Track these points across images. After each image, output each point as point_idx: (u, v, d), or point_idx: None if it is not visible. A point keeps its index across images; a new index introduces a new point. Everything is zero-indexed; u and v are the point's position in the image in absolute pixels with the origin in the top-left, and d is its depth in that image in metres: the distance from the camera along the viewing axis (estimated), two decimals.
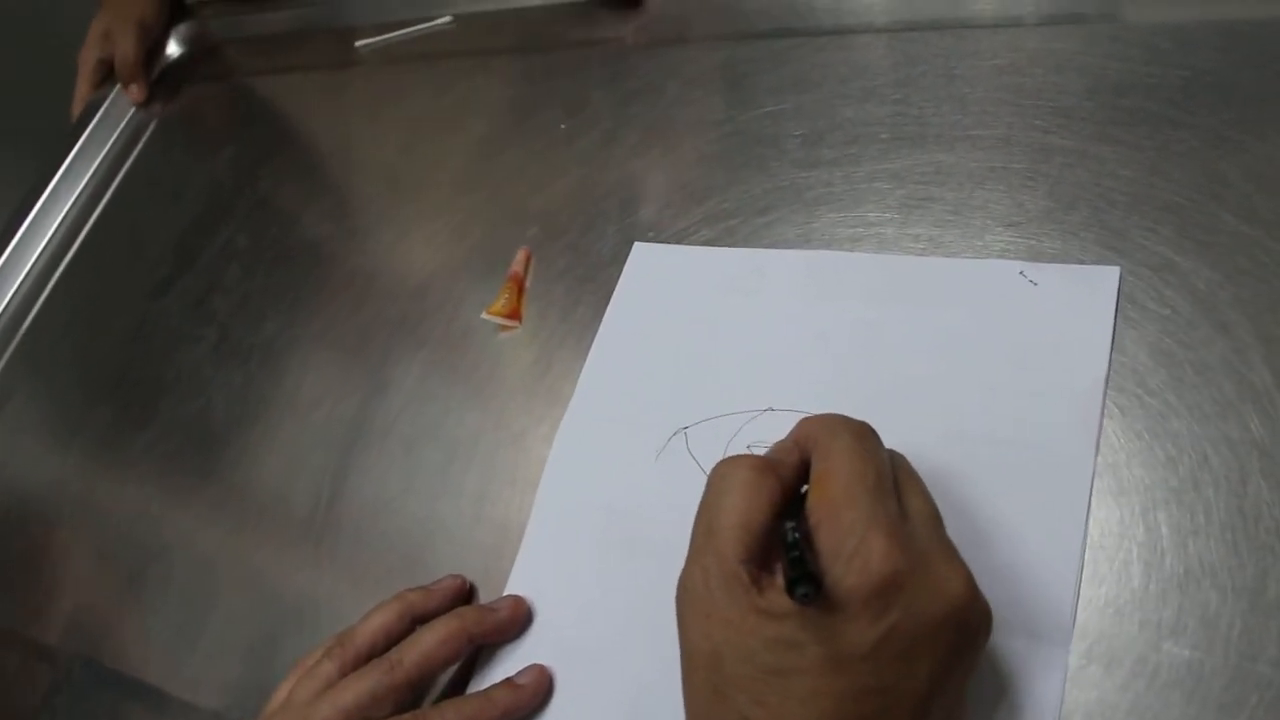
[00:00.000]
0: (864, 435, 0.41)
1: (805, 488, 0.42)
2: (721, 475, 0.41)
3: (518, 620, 0.52)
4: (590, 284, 0.61)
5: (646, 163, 0.65)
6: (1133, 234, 0.50)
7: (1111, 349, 0.48)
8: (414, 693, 0.50)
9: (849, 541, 0.37)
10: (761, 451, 0.44)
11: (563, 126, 0.70)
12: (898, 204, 0.56)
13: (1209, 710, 0.39)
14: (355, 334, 0.68)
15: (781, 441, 0.44)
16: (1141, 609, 0.42)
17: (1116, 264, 0.50)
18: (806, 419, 0.43)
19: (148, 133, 0.93)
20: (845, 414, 0.43)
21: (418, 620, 0.52)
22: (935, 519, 0.40)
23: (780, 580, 0.38)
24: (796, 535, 0.37)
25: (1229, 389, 0.45)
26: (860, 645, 0.36)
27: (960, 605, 0.37)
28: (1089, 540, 0.44)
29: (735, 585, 0.38)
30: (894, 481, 0.40)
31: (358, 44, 0.85)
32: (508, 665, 0.51)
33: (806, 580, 0.35)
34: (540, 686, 0.49)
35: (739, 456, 0.42)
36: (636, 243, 0.62)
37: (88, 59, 0.96)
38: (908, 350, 0.51)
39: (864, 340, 0.53)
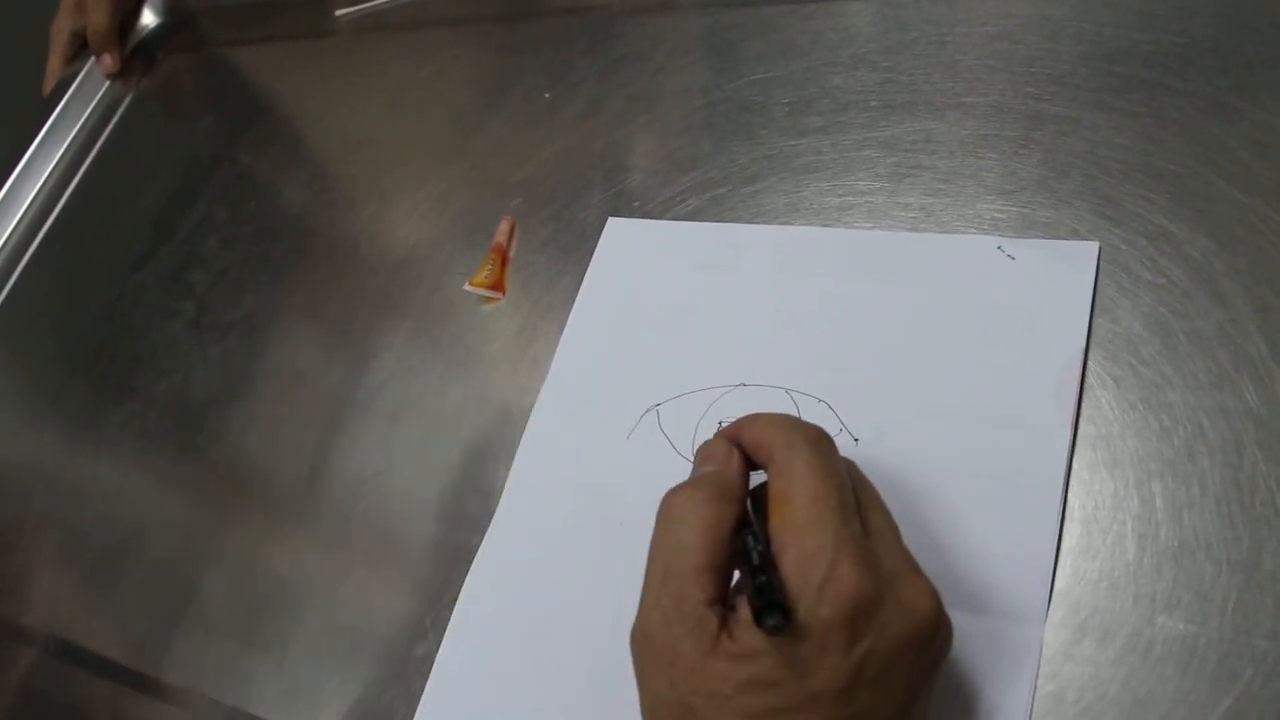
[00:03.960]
0: (822, 448, 0.39)
1: (756, 473, 0.41)
2: (677, 513, 0.39)
3: None
4: (575, 254, 0.60)
5: (631, 131, 0.64)
6: (1127, 202, 0.49)
7: (1090, 325, 0.47)
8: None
9: (818, 569, 0.35)
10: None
11: (546, 95, 0.69)
12: (888, 172, 0.55)
13: (1203, 684, 0.39)
14: (336, 307, 0.67)
15: (713, 446, 0.42)
16: (1136, 582, 0.41)
17: (1107, 234, 0.49)
18: (753, 421, 0.41)
19: (123, 105, 0.91)
20: (798, 416, 0.41)
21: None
22: (895, 533, 0.39)
23: (746, 615, 0.36)
24: (761, 559, 0.36)
25: (1224, 359, 0.44)
26: (838, 676, 0.35)
27: (929, 624, 0.36)
28: (1083, 513, 0.43)
29: (701, 630, 0.36)
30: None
31: (337, 13, 0.84)
32: (474, 639, 0.51)
33: (774, 609, 0.34)
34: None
35: (691, 487, 0.39)
36: (610, 218, 0.61)
37: (60, 31, 0.93)
38: (883, 326, 0.51)
39: (839, 316, 0.52)
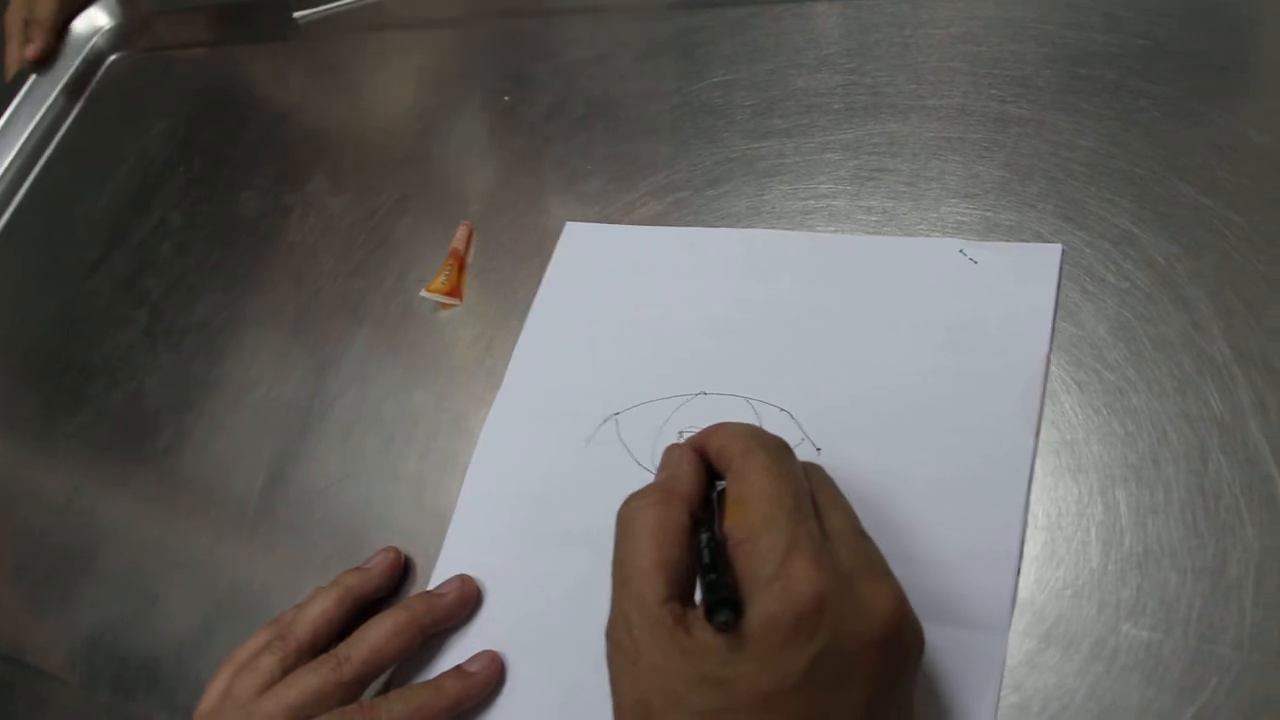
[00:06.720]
0: (779, 453, 0.40)
1: (720, 484, 0.41)
2: (627, 518, 0.40)
3: (467, 601, 0.50)
4: (534, 260, 0.59)
5: (592, 135, 0.63)
6: (1091, 205, 0.49)
7: (1053, 328, 0.47)
8: (362, 689, 0.48)
9: (768, 567, 0.35)
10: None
11: (506, 98, 0.68)
12: (850, 175, 0.55)
13: (1168, 693, 0.38)
14: (292, 314, 0.66)
15: (670, 450, 0.43)
16: (1100, 590, 0.41)
17: (1071, 236, 0.49)
18: (717, 430, 0.42)
19: (76, 108, 0.90)
20: (759, 425, 0.42)
21: (358, 603, 0.51)
22: (859, 535, 0.39)
23: (701, 612, 0.36)
24: (712, 557, 0.37)
25: (1188, 364, 0.44)
26: (788, 676, 0.34)
27: (889, 624, 0.36)
28: (1047, 520, 0.43)
29: (659, 628, 0.36)
30: (812, 499, 0.39)
31: (296, 15, 0.83)
32: (434, 650, 0.50)
33: (723, 605, 0.34)
34: (492, 673, 0.48)
35: (641, 493, 0.40)
36: (568, 222, 0.60)
37: (14, 20, 0.93)
38: (845, 331, 0.50)
39: (801, 321, 0.51)
